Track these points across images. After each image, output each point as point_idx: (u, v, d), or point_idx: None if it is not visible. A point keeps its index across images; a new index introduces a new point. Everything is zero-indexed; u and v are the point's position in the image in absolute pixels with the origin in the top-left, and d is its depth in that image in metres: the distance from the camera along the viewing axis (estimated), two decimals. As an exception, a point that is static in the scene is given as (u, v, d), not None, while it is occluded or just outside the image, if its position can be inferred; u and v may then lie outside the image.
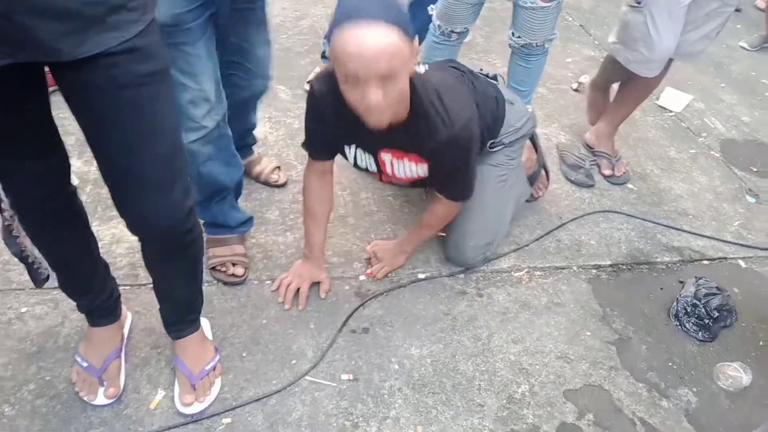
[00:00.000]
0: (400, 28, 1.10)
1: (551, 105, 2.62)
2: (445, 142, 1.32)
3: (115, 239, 1.68)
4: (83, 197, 1.31)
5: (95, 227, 1.31)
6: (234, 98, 1.59)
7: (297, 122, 2.28)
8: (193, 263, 1.19)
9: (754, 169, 2.39)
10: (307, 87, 2.44)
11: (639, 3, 1.78)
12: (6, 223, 0.97)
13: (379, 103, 1.15)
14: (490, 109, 1.58)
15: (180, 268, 1.18)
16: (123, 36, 0.83)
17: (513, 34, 1.93)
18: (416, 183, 1.58)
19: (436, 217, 1.63)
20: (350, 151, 1.51)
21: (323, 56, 2.61)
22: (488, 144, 1.63)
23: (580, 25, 3.45)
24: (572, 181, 2.16)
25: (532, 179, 1.93)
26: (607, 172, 2.20)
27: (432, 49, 2.08)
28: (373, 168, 1.53)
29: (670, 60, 1.97)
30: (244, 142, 1.94)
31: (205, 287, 1.36)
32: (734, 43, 3.45)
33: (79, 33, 0.78)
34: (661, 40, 1.80)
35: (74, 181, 1.22)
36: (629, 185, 2.20)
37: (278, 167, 2.02)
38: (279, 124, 2.25)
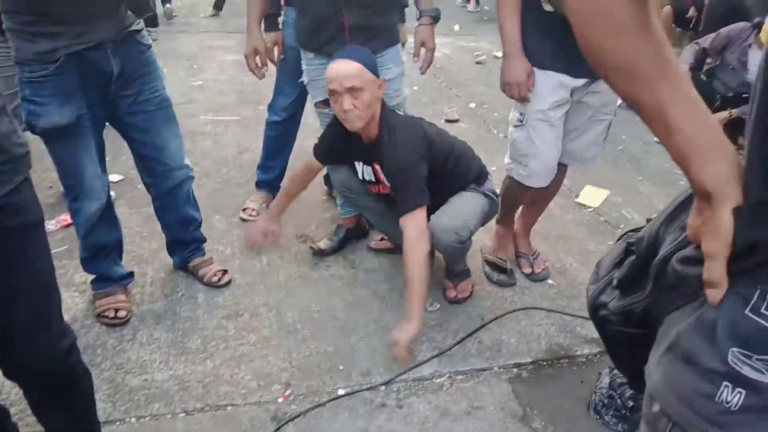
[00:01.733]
0: (366, 64, 1.77)
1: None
2: (389, 146, 1.82)
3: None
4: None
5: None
6: (158, 189, 1.97)
7: (229, 249, 2.38)
8: (81, 405, 1.21)
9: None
10: (242, 215, 2.62)
11: (521, 121, 1.98)
12: None
13: (351, 108, 1.75)
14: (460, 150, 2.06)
15: (67, 413, 1.19)
16: None
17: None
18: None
19: (408, 264, 1.75)
20: (359, 166, 2.01)
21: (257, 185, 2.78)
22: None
23: (504, 136, 3.73)
24: (495, 282, 2.25)
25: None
26: (527, 270, 2.30)
27: None
28: (372, 177, 1.97)
29: (565, 166, 2.15)
30: (191, 237, 2.15)
31: (116, 426, 1.36)
32: (650, 139, 3.73)
33: None
34: (544, 151, 1.98)
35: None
36: (549, 281, 2.29)
37: (225, 270, 2.18)
38: (213, 251, 2.34)
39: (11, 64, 2.11)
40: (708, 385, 0.60)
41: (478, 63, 5.42)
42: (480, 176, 2.07)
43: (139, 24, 1.74)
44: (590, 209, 2.85)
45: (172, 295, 2.11)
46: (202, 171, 2.97)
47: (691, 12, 5.35)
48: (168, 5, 6.33)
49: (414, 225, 1.77)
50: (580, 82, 1.91)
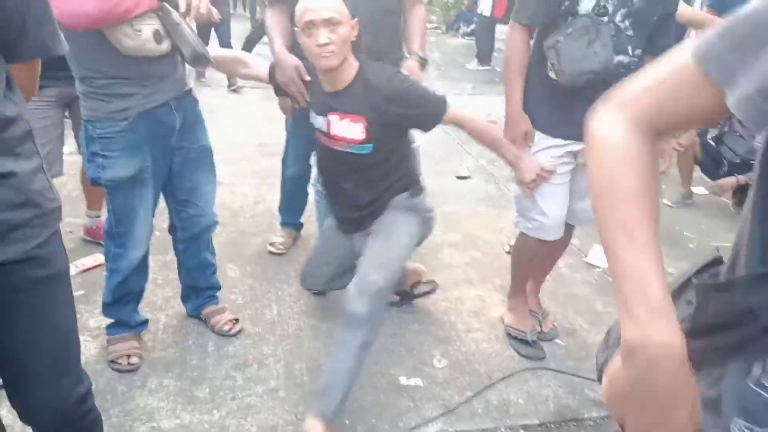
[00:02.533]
0: (340, 4, 1.69)
1: (486, 268, 2.81)
2: (388, 90, 1.77)
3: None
4: None
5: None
6: (187, 233, 2.04)
7: (241, 298, 2.42)
8: None
9: (680, 318, 2.50)
10: (271, 248, 2.78)
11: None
12: None
13: (327, 42, 1.65)
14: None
15: None
16: (22, 248, 0.99)
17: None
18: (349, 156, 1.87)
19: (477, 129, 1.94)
20: (311, 114, 1.92)
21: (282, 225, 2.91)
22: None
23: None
24: (523, 356, 2.19)
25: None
26: (536, 329, 2.30)
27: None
28: (324, 128, 1.87)
29: (572, 226, 2.20)
30: (208, 283, 2.20)
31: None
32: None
33: None
34: (550, 208, 2.03)
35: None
36: (557, 341, 2.28)
37: (236, 320, 2.22)
38: (225, 300, 2.38)
39: (48, 114, 2.27)
40: None
41: (490, 122, 5.55)
42: (418, 182, 2.02)
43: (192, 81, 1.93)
44: (599, 269, 2.86)
45: (183, 343, 2.14)
46: (219, 221, 3.04)
47: None
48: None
49: (455, 119, 1.87)
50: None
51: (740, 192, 3.30)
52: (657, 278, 0.58)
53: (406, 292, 2.41)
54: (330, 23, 1.66)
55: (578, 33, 1.75)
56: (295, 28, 1.78)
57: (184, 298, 2.25)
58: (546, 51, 1.80)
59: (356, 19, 1.76)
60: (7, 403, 1.11)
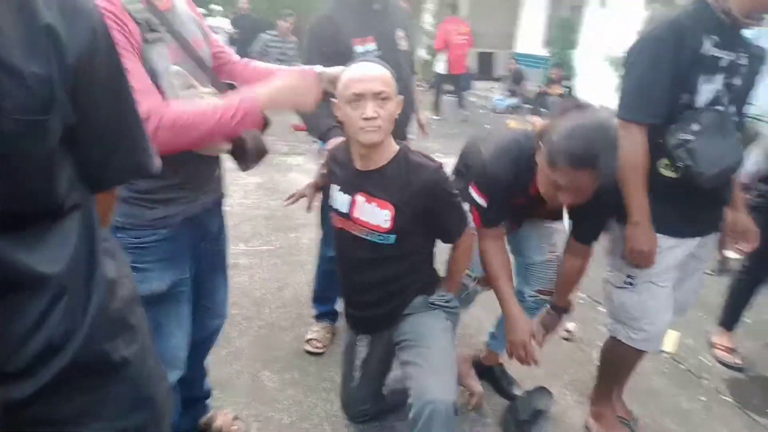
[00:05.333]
0: (391, 80, 1.55)
1: (547, 360, 2.53)
2: (429, 182, 1.59)
3: None
4: None
5: None
6: (195, 336, 1.67)
7: (286, 417, 2.09)
8: None
9: (773, 413, 2.28)
10: (308, 347, 2.49)
11: (632, 284, 1.82)
12: None
13: (374, 116, 1.49)
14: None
15: None
16: None
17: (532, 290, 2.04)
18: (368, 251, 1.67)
19: (456, 260, 1.78)
20: (333, 191, 1.74)
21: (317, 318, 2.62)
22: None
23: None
24: None
25: None
26: (631, 440, 2.04)
27: None
28: (345, 209, 1.68)
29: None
30: (201, 393, 1.90)
31: None
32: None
33: None
34: (664, 313, 1.81)
35: None
36: (655, 453, 2.02)
37: (236, 417, 1.95)
38: (268, 421, 2.05)
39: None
40: None
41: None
42: (436, 283, 1.82)
43: None
44: (667, 355, 2.64)
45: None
46: (242, 314, 2.73)
47: None
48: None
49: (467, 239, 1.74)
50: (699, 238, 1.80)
51: None
52: None
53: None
54: (379, 97, 1.51)
55: (711, 129, 1.59)
56: (333, 99, 1.60)
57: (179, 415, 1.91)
58: (673, 151, 1.63)
59: (402, 96, 1.60)
60: None
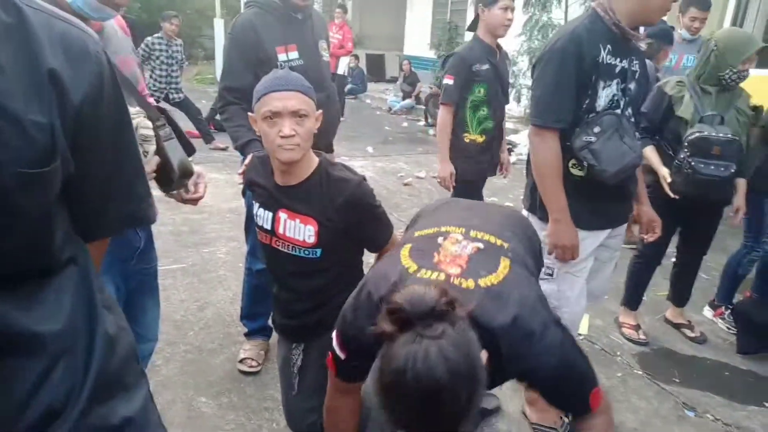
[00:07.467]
0: (310, 96, 1.53)
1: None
2: (351, 197, 1.55)
3: None
4: None
5: None
6: None
7: (231, 444, 1.99)
8: None
9: (677, 380, 2.55)
10: (241, 367, 2.38)
11: (551, 275, 1.95)
12: None
13: (292, 135, 1.46)
14: None
15: None
16: None
17: None
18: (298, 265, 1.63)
19: None
20: (256, 208, 1.68)
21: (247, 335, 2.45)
22: None
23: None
24: None
25: None
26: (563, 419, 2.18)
27: None
28: (269, 225, 1.63)
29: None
30: None
31: None
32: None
33: None
34: (577, 301, 1.96)
35: None
36: None
37: None
38: (210, 451, 1.94)
39: None
40: None
41: (405, 185, 5.55)
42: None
43: None
44: (582, 337, 2.86)
45: None
46: (165, 339, 2.54)
47: None
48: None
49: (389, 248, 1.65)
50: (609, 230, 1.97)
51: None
52: None
53: None
54: (297, 115, 1.48)
55: (610, 131, 1.74)
56: (250, 113, 1.57)
57: None
58: (578, 152, 1.77)
59: (320, 111, 1.59)
60: None
